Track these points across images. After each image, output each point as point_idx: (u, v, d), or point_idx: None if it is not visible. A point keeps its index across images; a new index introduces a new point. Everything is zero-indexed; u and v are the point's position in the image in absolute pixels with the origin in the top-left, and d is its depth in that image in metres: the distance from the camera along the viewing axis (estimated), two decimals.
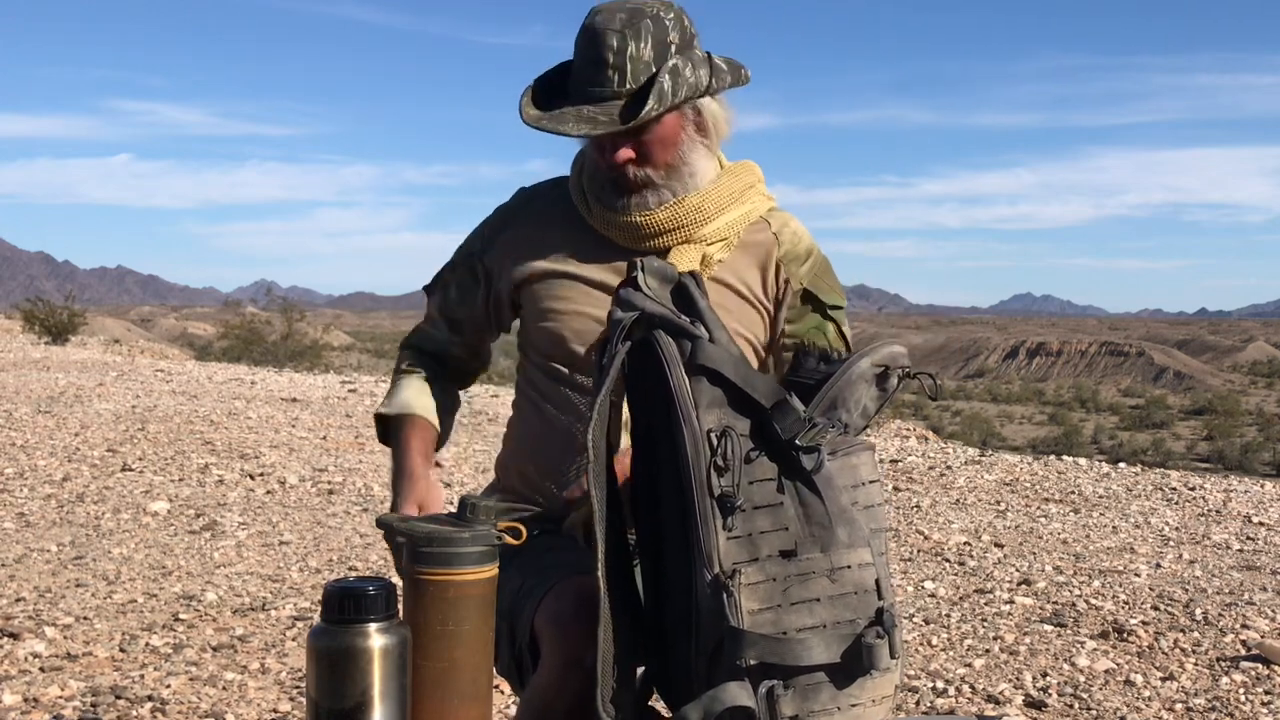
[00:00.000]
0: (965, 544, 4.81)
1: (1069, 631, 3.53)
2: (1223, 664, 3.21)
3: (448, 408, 1.77)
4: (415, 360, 1.79)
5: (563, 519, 1.63)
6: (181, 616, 3.47)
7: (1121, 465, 7.61)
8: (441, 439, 1.73)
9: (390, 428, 1.70)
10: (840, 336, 1.69)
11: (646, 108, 1.50)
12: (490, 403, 9.89)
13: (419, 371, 1.77)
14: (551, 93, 1.59)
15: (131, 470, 6.02)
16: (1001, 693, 2.98)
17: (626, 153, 1.56)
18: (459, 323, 1.77)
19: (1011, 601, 3.87)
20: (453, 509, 1.27)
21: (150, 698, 2.78)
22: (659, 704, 1.42)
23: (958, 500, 5.92)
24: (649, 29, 1.53)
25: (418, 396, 1.73)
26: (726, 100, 1.66)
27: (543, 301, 1.66)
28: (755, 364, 1.64)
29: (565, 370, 1.66)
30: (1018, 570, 4.33)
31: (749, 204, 1.67)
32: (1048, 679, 3.09)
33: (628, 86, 1.53)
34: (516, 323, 1.78)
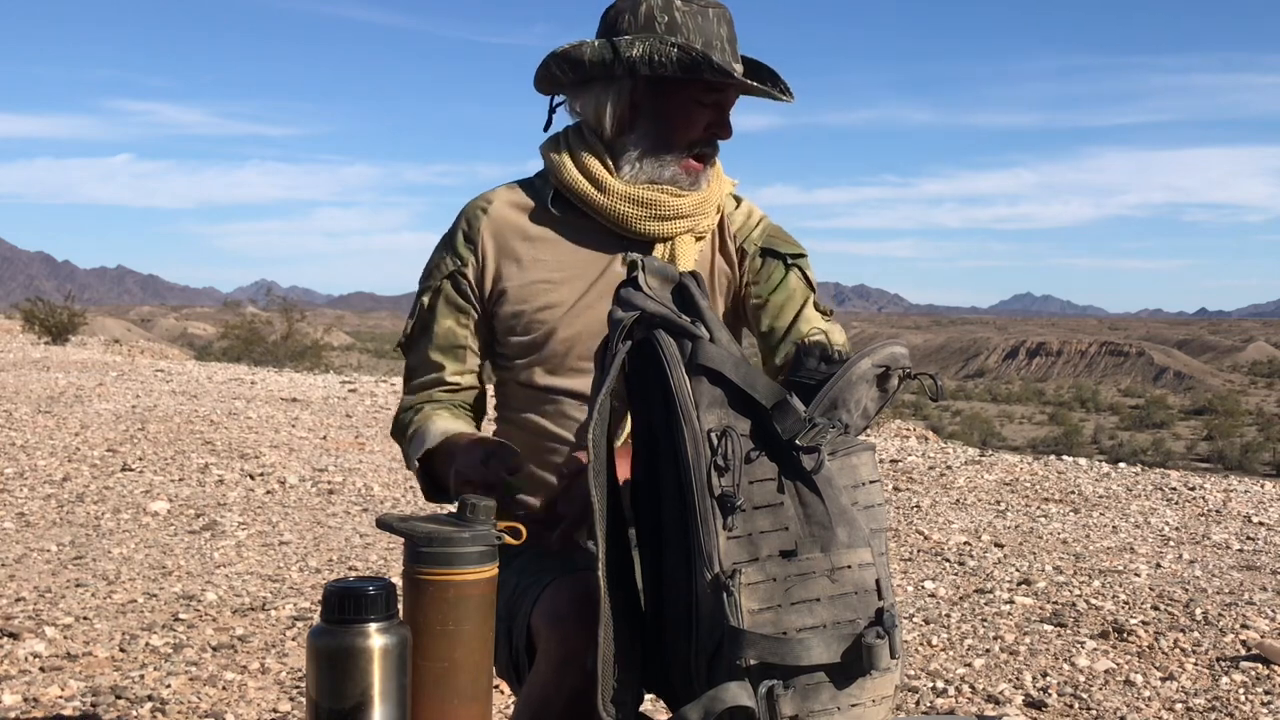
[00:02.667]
0: (965, 544, 4.81)
1: (1069, 631, 3.53)
2: (1223, 664, 3.21)
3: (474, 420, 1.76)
4: (418, 401, 1.73)
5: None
6: (181, 616, 3.47)
7: (1121, 465, 7.61)
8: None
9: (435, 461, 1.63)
10: (806, 281, 1.73)
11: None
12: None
13: (440, 404, 1.72)
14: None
15: (131, 470, 6.03)
16: (1001, 693, 2.98)
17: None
18: (460, 350, 1.72)
19: (1011, 601, 3.87)
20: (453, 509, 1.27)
21: (150, 698, 2.78)
22: (658, 704, 1.42)
23: (958, 500, 5.92)
24: None
25: (453, 422, 1.67)
26: None
27: (527, 317, 1.67)
28: None
29: (550, 381, 1.66)
30: (1018, 570, 4.33)
31: (721, 196, 1.75)
32: (1048, 679, 3.09)
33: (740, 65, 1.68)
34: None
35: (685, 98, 1.63)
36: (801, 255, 1.74)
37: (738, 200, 1.79)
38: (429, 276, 1.71)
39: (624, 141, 1.66)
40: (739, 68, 1.65)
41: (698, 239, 1.71)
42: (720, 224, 1.75)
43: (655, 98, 1.64)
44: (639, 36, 1.59)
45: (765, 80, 1.70)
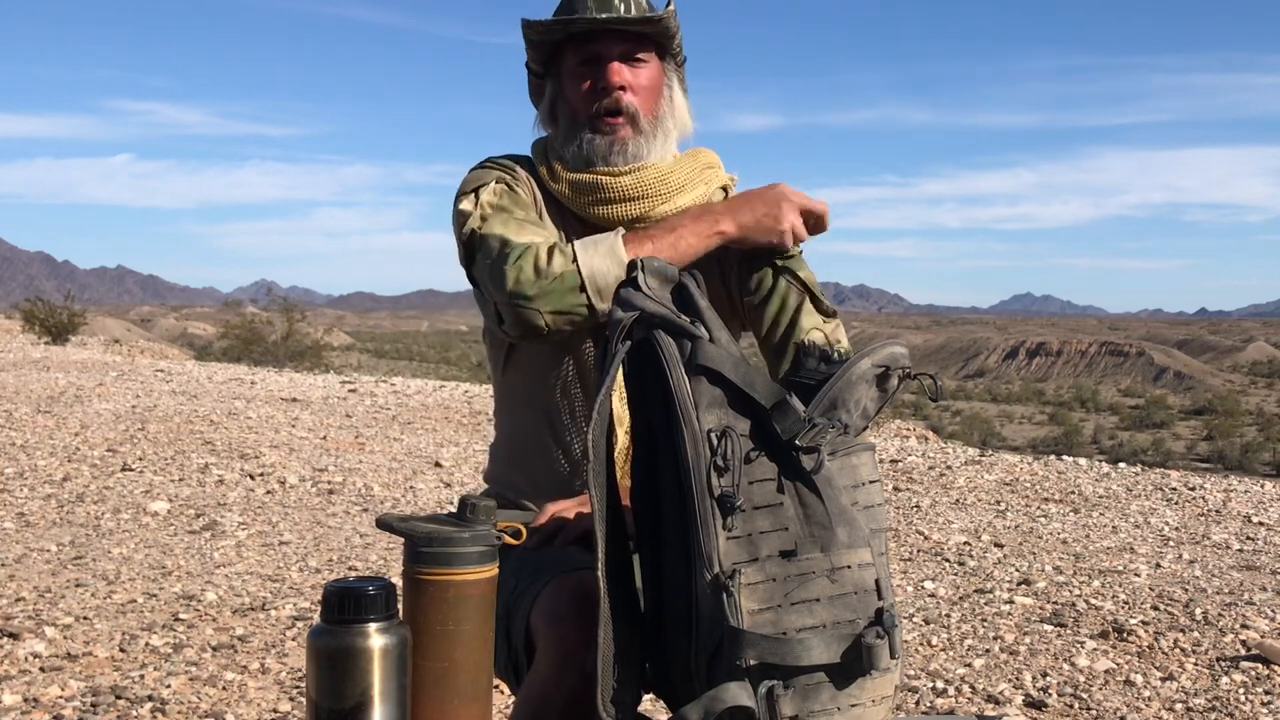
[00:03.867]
0: (965, 544, 4.81)
1: (1069, 631, 3.53)
2: (1223, 664, 3.21)
3: None
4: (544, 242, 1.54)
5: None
6: (181, 616, 3.47)
7: (1121, 465, 7.61)
8: None
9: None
10: (798, 283, 1.64)
11: (670, 8, 1.62)
12: (490, 403, 9.90)
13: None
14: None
15: (131, 470, 6.03)
16: (1001, 693, 2.98)
17: (622, 76, 1.63)
18: (544, 229, 1.61)
19: (1011, 601, 3.87)
20: (453, 508, 1.27)
21: (150, 698, 2.78)
22: (658, 704, 1.42)
23: (958, 500, 5.92)
24: None
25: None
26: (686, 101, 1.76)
27: None
28: None
29: (542, 388, 1.64)
30: (1018, 570, 4.33)
31: (703, 186, 1.69)
32: (1048, 679, 3.09)
33: (633, 13, 1.62)
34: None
35: (568, 70, 1.66)
36: (791, 256, 1.67)
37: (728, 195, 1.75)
38: (477, 181, 1.63)
39: (558, 136, 1.70)
40: (607, 14, 1.61)
41: None
42: None
43: (558, 85, 1.68)
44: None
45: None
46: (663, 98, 1.69)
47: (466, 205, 1.61)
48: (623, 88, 1.64)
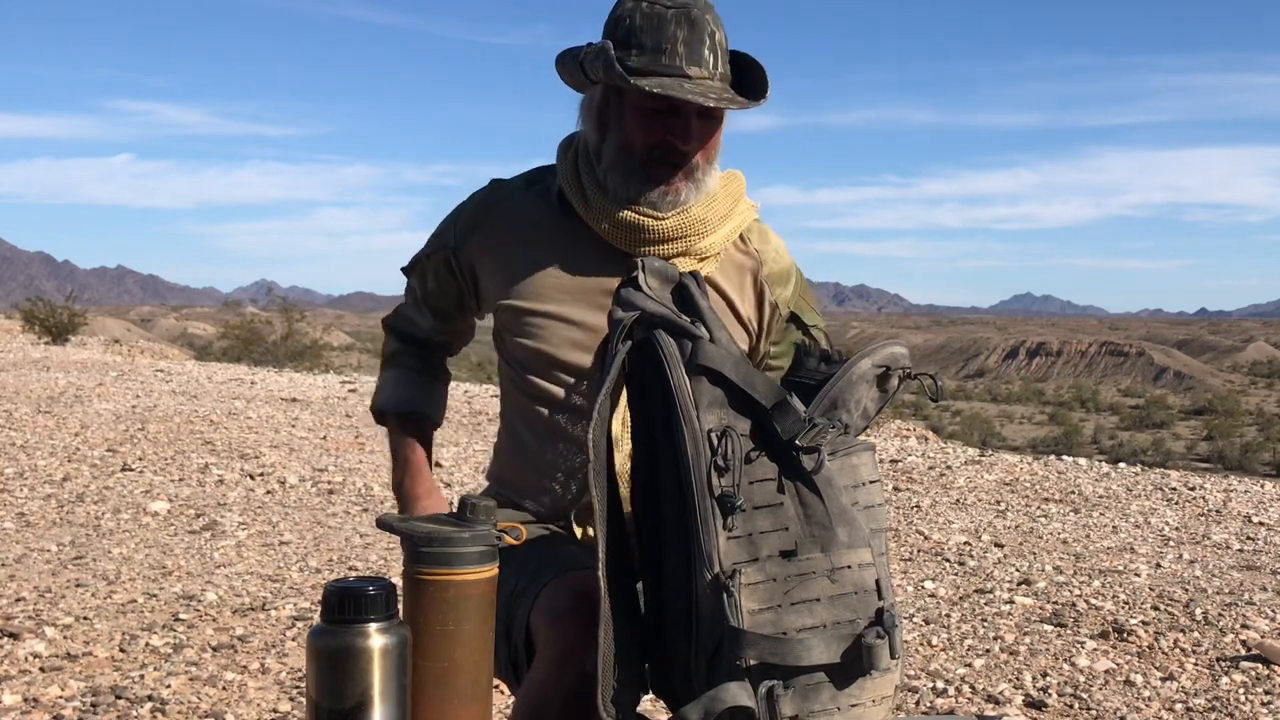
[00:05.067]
0: (965, 544, 4.81)
1: (1069, 631, 3.53)
2: (1223, 664, 3.21)
3: (438, 385, 1.85)
4: (401, 347, 1.84)
5: (558, 520, 1.64)
6: (181, 616, 3.47)
7: (1121, 465, 7.61)
8: (435, 419, 1.83)
9: (388, 419, 1.80)
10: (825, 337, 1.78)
11: (769, 91, 1.56)
12: (490, 402, 9.89)
13: (407, 360, 1.83)
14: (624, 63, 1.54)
15: (131, 470, 6.03)
16: (1001, 693, 2.98)
17: (696, 136, 1.57)
18: (440, 310, 1.78)
19: (1011, 601, 3.87)
20: (453, 509, 1.27)
21: (150, 698, 2.78)
22: (658, 704, 1.42)
23: (958, 500, 5.92)
24: (720, 20, 1.58)
25: (406, 388, 1.81)
26: None
27: (524, 322, 1.62)
28: None
29: (547, 393, 1.63)
30: (1018, 570, 4.33)
31: (737, 218, 1.68)
32: (1048, 679, 3.09)
33: (720, 70, 1.56)
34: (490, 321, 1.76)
35: (637, 104, 1.56)
36: (819, 327, 1.76)
37: (762, 230, 1.73)
38: (434, 237, 1.76)
39: (602, 149, 1.62)
40: (697, 70, 1.53)
41: (700, 260, 1.64)
42: (755, 262, 1.70)
43: (619, 105, 1.58)
44: (598, 45, 1.56)
45: (745, 83, 1.59)
46: (719, 141, 1.63)
47: (427, 246, 1.76)
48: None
